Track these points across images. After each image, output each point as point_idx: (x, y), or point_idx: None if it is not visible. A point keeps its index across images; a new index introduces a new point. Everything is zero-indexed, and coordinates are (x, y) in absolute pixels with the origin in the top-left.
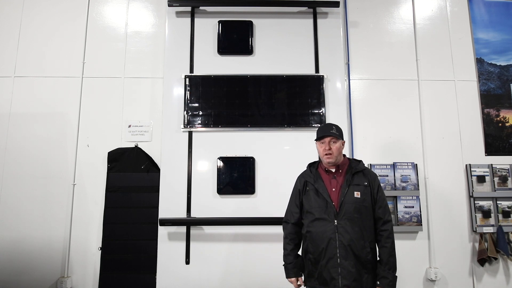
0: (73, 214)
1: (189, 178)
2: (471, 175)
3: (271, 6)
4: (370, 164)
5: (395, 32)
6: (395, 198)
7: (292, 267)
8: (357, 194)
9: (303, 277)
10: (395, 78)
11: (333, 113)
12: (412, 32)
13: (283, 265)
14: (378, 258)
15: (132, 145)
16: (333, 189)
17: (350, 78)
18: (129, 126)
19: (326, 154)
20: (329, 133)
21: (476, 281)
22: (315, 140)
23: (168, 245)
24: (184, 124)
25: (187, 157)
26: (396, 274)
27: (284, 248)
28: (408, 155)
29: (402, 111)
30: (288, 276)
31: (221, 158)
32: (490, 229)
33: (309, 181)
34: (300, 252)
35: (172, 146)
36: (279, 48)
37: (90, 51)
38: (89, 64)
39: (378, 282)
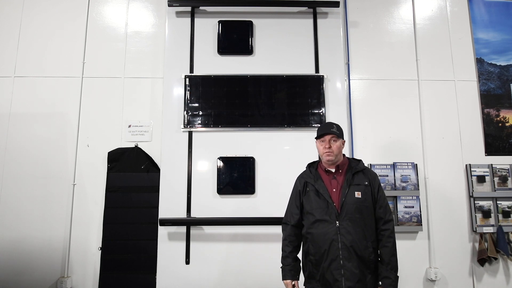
0: (73, 214)
1: (189, 178)
2: (471, 175)
3: (271, 6)
4: (370, 164)
5: (395, 32)
6: (395, 198)
7: (289, 269)
8: (358, 194)
9: (298, 282)
10: (395, 78)
11: (333, 113)
12: (412, 32)
13: (281, 267)
14: (379, 258)
15: (132, 145)
16: (334, 190)
17: (350, 78)
18: (129, 126)
19: (326, 152)
20: (330, 131)
21: (476, 281)
22: (315, 138)
23: (168, 245)
24: (184, 124)
25: (187, 157)
26: (398, 274)
27: (283, 250)
28: (408, 155)
29: (402, 111)
30: (284, 278)
31: (221, 158)
32: (490, 229)
33: (309, 181)
34: (299, 254)
35: (172, 146)
36: (279, 48)
37: (90, 51)
38: (89, 64)
39: (380, 283)
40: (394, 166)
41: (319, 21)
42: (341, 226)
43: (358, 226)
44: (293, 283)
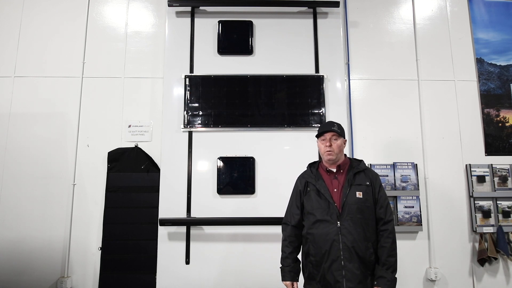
0: (73, 214)
1: (189, 178)
2: (471, 175)
3: (271, 6)
4: (370, 164)
5: (395, 32)
6: (395, 198)
7: (289, 270)
8: (359, 194)
9: (297, 283)
10: (395, 78)
11: (333, 113)
12: (412, 32)
13: (280, 268)
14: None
15: (132, 145)
16: (335, 190)
17: (350, 78)
18: (129, 126)
19: (327, 151)
20: (331, 129)
21: (476, 281)
22: (316, 136)
23: (168, 245)
24: (184, 124)
25: (187, 157)
26: (396, 276)
27: (283, 251)
28: (408, 155)
29: (402, 111)
30: (284, 279)
31: (221, 158)
32: (490, 229)
33: (310, 181)
34: (299, 255)
35: (172, 146)
36: (279, 48)
37: (90, 51)
38: (89, 64)
39: (376, 282)
40: (394, 166)
41: (319, 21)
42: (343, 227)
43: (359, 227)
44: (293, 284)
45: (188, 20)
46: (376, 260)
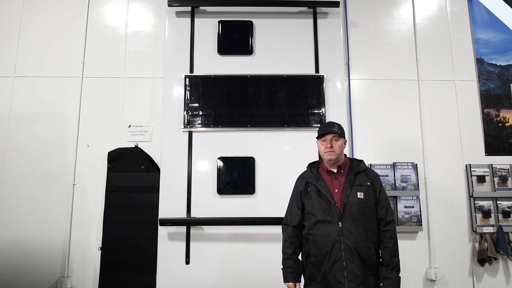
0: (73, 214)
1: (189, 178)
2: (471, 175)
3: (271, 6)
4: (370, 164)
5: (395, 32)
6: (395, 198)
7: (291, 272)
8: (360, 195)
9: (301, 283)
10: (395, 78)
11: (333, 113)
12: (412, 32)
13: (282, 269)
14: (380, 259)
15: (132, 145)
16: (336, 190)
17: (350, 78)
18: (129, 126)
19: (327, 151)
20: (331, 130)
21: (476, 281)
22: (316, 137)
23: (168, 245)
24: (184, 124)
25: (187, 157)
26: (400, 275)
27: (284, 252)
28: (408, 155)
29: (402, 111)
30: (286, 281)
31: (221, 158)
32: (490, 229)
33: (311, 181)
34: (300, 255)
35: (172, 146)
36: (279, 48)
37: (90, 51)
38: (89, 64)
39: (381, 284)
40: (394, 166)
41: (319, 21)
42: (344, 227)
43: (360, 227)
44: (295, 285)
45: (188, 20)
46: (378, 260)
